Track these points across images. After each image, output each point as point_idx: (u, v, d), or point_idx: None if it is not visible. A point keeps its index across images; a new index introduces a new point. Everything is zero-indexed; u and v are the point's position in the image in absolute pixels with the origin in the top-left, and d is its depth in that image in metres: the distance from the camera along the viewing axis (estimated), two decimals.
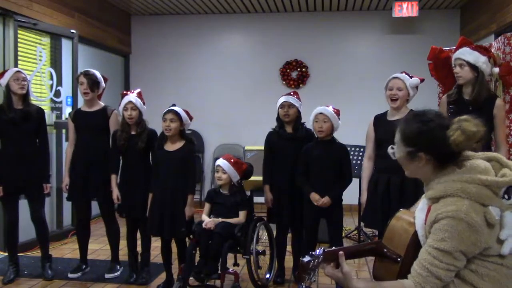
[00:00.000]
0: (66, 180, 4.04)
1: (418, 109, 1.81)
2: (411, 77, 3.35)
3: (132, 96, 3.80)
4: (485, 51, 3.39)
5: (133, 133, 3.82)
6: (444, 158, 1.70)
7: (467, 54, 3.30)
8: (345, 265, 1.72)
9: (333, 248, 1.79)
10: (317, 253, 1.69)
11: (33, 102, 4.17)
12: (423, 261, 1.62)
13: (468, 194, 1.61)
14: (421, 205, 1.80)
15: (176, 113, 3.58)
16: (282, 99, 3.79)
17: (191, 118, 3.70)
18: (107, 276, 4.03)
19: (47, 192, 4.05)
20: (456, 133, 1.64)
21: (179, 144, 3.64)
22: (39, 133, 4.01)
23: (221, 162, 3.62)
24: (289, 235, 3.97)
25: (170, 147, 3.64)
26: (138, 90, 3.93)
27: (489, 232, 1.60)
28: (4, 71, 3.98)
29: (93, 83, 3.98)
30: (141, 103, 3.82)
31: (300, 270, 1.69)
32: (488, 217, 1.59)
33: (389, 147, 1.84)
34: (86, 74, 3.98)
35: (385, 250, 1.79)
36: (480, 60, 3.28)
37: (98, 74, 4.05)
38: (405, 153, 1.77)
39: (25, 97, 3.94)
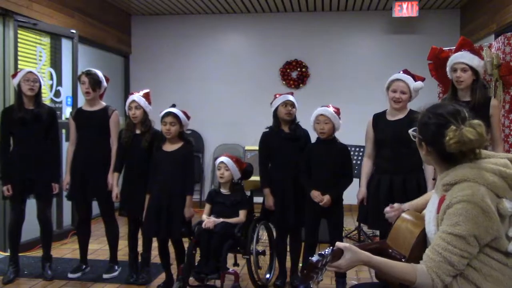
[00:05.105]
0: (67, 178, 4.04)
1: (438, 103, 1.83)
2: (412, 76, 3.35)
3: (136, 95, 3.81)
4: (479, 53, 3.40)
5: (137, 132, 3.82)
6: (444, 155, 1.70)
7: (469, 58, 3.28)
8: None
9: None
10: (326, 252, 1.68)
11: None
12: (436, 247, 1.61)
13: (485, 181, 1.62)
14: (432, 199, 1.81)
15: (175, 115, 3.57)
16: (283, 98, 3.73)
17: (188, 118, 3.68)
18: (105, 276, 4.03)
19: (55, 192, 4.06)
20: (453, 134, 1.64)
21: (177, 145, 3.64)
22: (50, 133, 4.02)
23: (224, 159, 3.62)
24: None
25: (169, 147, 3.64)
26: (147, 90, 3.92)
27: (500, 222, 1.61)
28: (18, 71, 4.00)
29: (95, 82, 3.98)
30: (145, 102, 3.81)
31: (308, 269, 1.67)
32: (500, 208, 1.60)
33: (411, 129, 1.86)
34: (88, 73, 3.99)
35: (389, 250, 1.80)
36: (480, 64, 3.31)
37: (100, 74, 4.05)
38: (417, 138, 1.82)
39: (36, 97, 3.96)
